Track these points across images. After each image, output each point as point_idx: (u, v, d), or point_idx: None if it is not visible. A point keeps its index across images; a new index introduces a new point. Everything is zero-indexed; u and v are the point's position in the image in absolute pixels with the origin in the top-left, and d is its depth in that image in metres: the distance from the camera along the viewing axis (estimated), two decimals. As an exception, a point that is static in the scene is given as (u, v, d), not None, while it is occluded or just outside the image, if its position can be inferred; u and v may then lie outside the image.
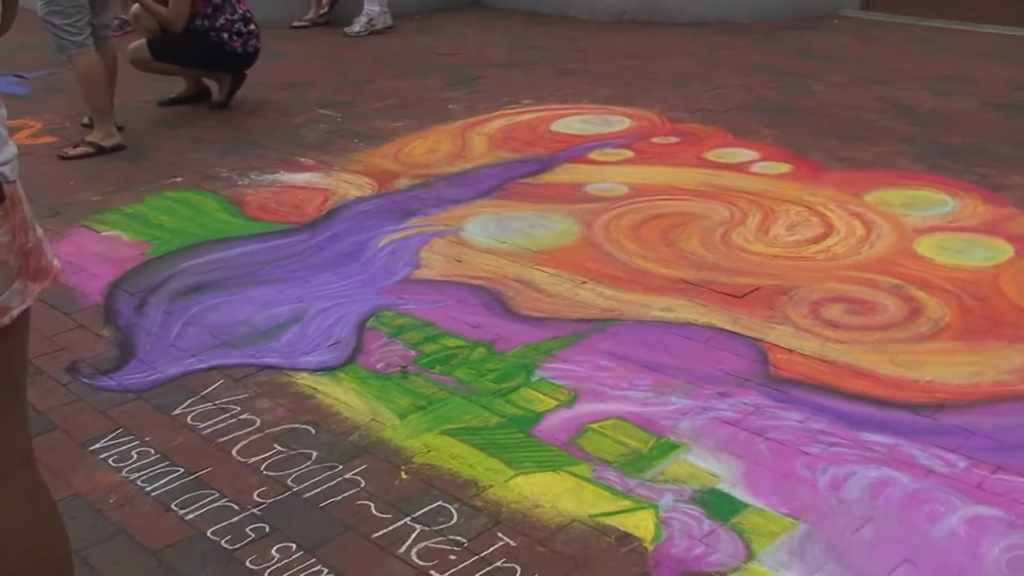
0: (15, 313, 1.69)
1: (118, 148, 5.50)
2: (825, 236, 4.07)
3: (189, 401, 3.08)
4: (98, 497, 2.66)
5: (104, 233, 4.42)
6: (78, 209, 4.70)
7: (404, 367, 3.21)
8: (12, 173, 1.65)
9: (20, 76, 7.39)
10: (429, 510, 2.54)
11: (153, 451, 2.84)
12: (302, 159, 5.27)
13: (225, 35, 6.09)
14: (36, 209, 4.68)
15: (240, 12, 6.16)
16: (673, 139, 5.36)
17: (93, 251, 4.23)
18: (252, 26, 6.22)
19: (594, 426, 2.86)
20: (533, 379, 3.11)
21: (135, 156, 5.45)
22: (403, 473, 2.70)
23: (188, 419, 2.99)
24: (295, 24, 8.74)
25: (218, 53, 6.11)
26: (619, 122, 5.72)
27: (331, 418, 2.96)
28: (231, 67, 6.26)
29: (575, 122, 5.74)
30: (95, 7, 5.41)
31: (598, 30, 8.33)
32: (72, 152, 5.45)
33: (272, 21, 8.69)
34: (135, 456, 2.82)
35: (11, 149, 1.67)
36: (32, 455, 1.85)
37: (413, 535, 2.46)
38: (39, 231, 1.75)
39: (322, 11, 8.76)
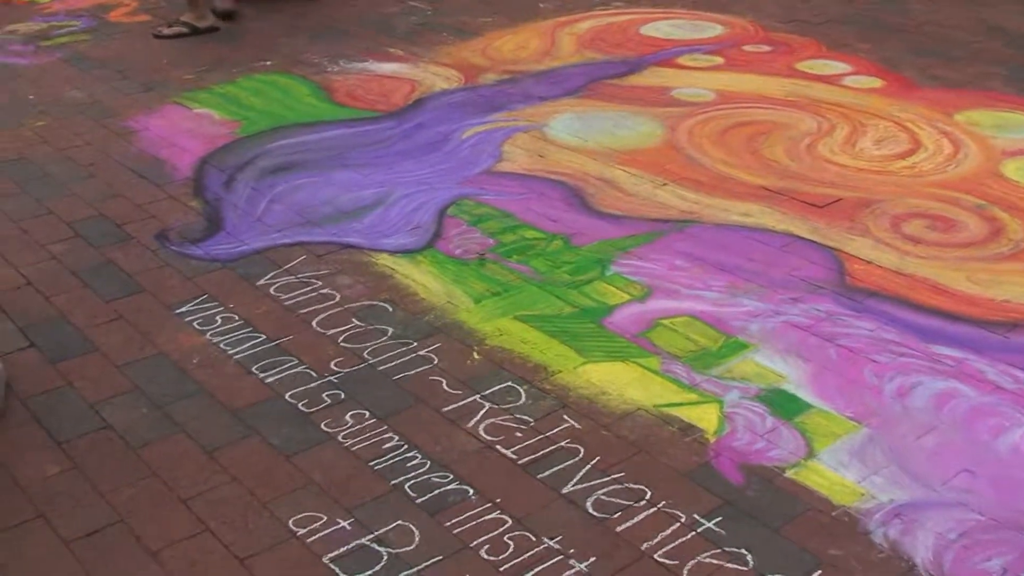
0: None
1: (211, 30, 5.57)
2: (912, 152, 4.01)
3: (272, 273, 3.17)
4: (182, 357, 2.78)
5: (196, 110, 4.51)
6: (171, 86, 4.79)
7: (482, 254, 3.27)
8: None
9: None
10: (498, 389, 2.61)
11: (236, 317, 2.95)
12: (391, 49, 5.30)
13: None
14: (130, 84, 4.80)
15: None
16: (765, 48, 5.28)
17: (184, 127, 4.33)
18: None
19: (665, 322, 2.90)
20: (608, 273, 3.15)
21: (228, 39, 5.52)
22: (475, 353, 2.77)
23: (271, 290, 3.08)
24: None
25: None
26: (710, 28, 5.64)
27: (408, 298, 3.04)
28: None
29: (665, 26, 5.68)
30: None
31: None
32: (166, 31, 5.53)
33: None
34: (219, 321, 2.93)
35: None
36: None
37: (482, 411, 2.53)
38: None
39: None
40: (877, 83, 4.76)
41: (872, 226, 3.44)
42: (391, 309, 2.98)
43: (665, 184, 3.75)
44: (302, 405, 2.56)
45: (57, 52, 5.33)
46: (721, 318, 2.92)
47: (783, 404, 2.56)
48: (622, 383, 2.63)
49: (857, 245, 3.32)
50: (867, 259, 3.23)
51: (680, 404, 2.55)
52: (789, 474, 2.31)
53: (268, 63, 5.10)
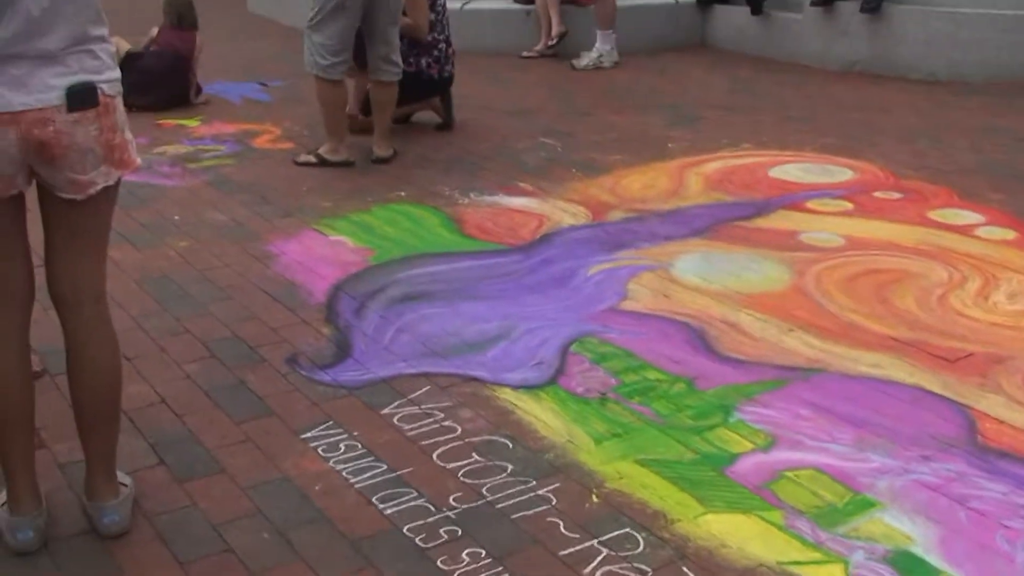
0: (99, 187, 2.43)
1: (344, 164, 5.72)
2: (1050, 308, 3.91)
3: (397, 403, 3.22)
4: (305, 482, 2.82)
5: (332, 237, 4.66)
6: (309, 212, 4.97)
7: (604, 393, 3.27)
8: (111, 89, 2.41)
9: (264, 84, 7.85)
10: (617, 535, 2.59)
11: (360, 445, 2.99)
12: (521, 183, 5.42)
13: (423, 61, 6.27)
14: (270, 209, 4.98)
15: (447, 33, 6.36)
16: (895, 195, 5.25)
17: (320, 253, 4.47)
18: (450, 50, 6.40)
19: (789, 474, 2.85)
20: (731, 420, 3.12)
21: (365, 169, 5.72)
22: (594, 496, 2.75)
23: (395, 419, 3.13)
24: (524, 55, 8.96)
25: (414, 81, 6.26)
26: (840, 173, 5.64)
27: (529, 434, 3.05)
28: (429, 93, 6.46)
29: (794, 169, 5.70)
30: (373, 38, 5.63)
31: (826, 79, 8.22)
32: (302, 159, 5.76)
33: (503, 50, 8.99)
34: (343, 448, 2.98)
35: (112, 73, 2.43)
36: (104, 294, 2.59)
37: (599, 558, 2.51)
38: (128, 135, 2.49)
39: (550, 43, 8.95)
40: (1011, 234, 4.68)
41: (1005, 383, 3.35)
42: (511, 445, 2.99)
43: (792, 330, 3.72)
44: (419, 540, 2.57)
45: (203, 175, 5.58)
46: (848, 473, 2.85)
47: (911, 568, 2.47)
48: (744, 536, 2.58)
49: (989, 402, 3.23)
50: (1000, 418, 3.14)
51: (804, 563, 2.49)
52: (917, 644, 2.22)
53: (402, 193, 5.26)
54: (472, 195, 5.23)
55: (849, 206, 5.08)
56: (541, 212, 4.98)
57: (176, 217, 4.95)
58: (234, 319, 3.82)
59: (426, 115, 6.68)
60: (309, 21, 5.55)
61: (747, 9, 9.11)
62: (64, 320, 2.56)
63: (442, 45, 6.32)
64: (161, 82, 6.88)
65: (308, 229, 4.76)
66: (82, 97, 2.35)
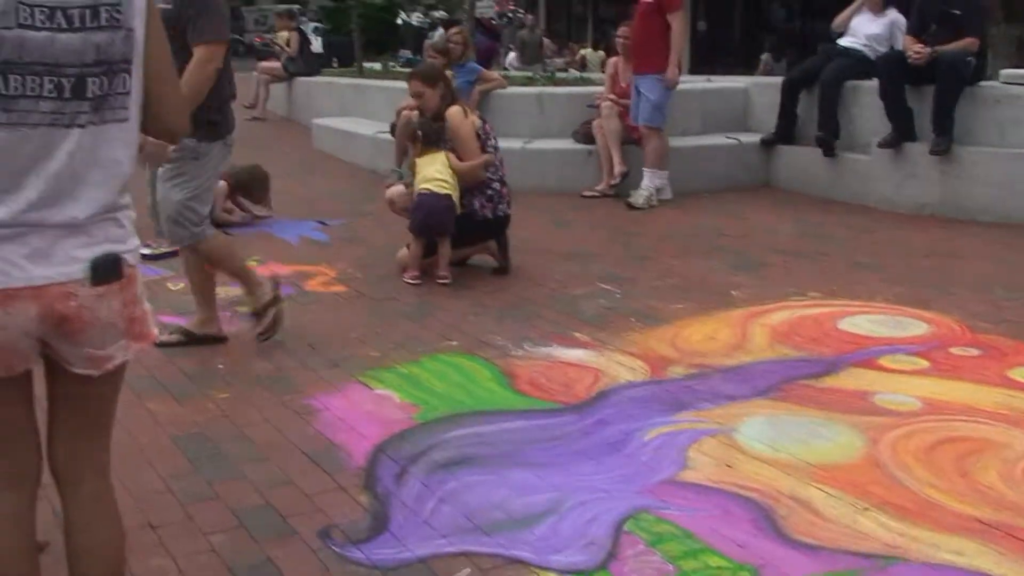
0: (117, 362, 2.30)
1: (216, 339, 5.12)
2: None
3: (434, 587, 2.97)
4: None
5: (377, 391, 4.48)
6: (356, 363, 4.80)
7: (659, 583, 2.99)
8: (133, 259, 2.27)
9: (323, 223, 7.80)
10: None
11: (391, 639, 2.74)
12: (577, 333, 5.22)
13: (476, 201, 6.16)
14: (316, 358, 4.81)
15: (500, 174, 6.27)
16: (973, 351, 4.96)
17: (364, 409, 4.28)
18: (505, 189, 6.29)
19: None
20: (800, 618, 2.82)
21: (419, 313, 5.57)
22: None
23: (430, 608, 2.88)
24: (585, 193, 8.87)
25: (468, 222, 6.16)
26: (914, 325, 5.37)
27: (576, 630, 2.78)
28: (483, 236, 6.33)
29: (865, 321, 5.44)
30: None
31: (895, 222, 7.99)
32: (163, 339, 4.83)
33: (565, 189, 8.92)
34: (372, 642, 2.73)
35: (134, 242, 2.29)
36: (108, 467, 2.43)
37: None
38: (147, 305, 2.35)
39: (613, 182, 8.86)
40: (1102, 399, 4.36)
41: (1109, 578, 3.02)
42: (557, 642, 2.72)
43: (867, 509, 3.41)
44: None
45: (252, 319, 5.45)
46: None
47: None
48: None
49: (1092, 601, 2.90)
50: (1106, 622, 2.81)
51: None
52: None
53: (454, 343, 5.07)
54: (526, 346, 5.03)
55: (924, 364, 4.79)
56: (597, 366, 4.75)
57: (220, 365, 4.81)
58: (268, 484, 3.61)
59: (483, 258, 6.55)
60: (182, 193, 4.80)
61: (813, 149, 8.97)
62: (63, 496, 2.39)
63: (495, 184, 6.23)
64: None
65: (354, 381, 4.58)
66: (107, 269, 2.19)
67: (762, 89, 10.03)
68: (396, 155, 8.79)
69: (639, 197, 8.50)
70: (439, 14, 45.38)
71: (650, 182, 8.61)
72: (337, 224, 7.78)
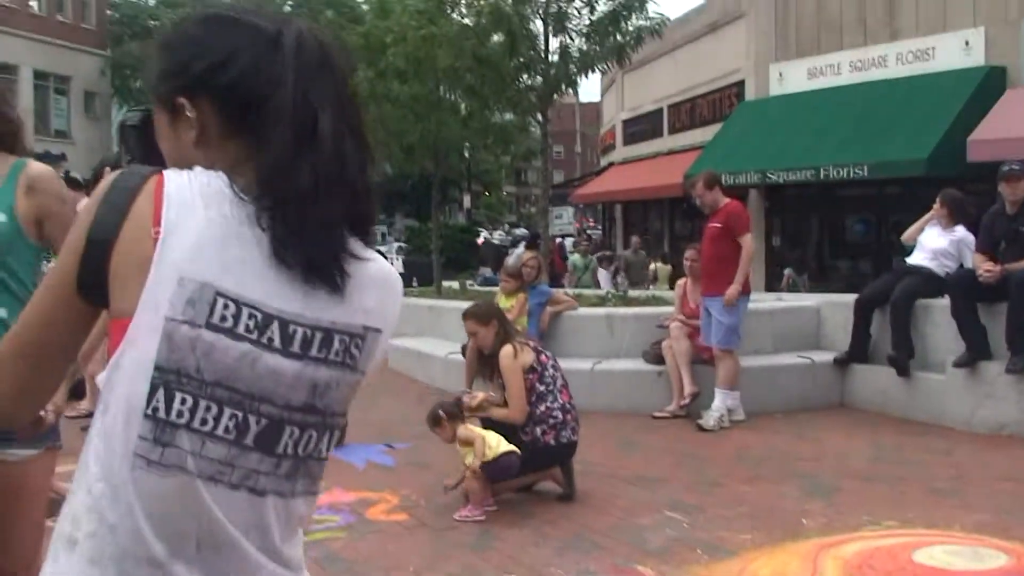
0: None
1: None
2: None
3: None
4: None
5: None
6: (411, 598, 4.72)
7: None
8: None
9: (390, 446, 7.83)
10: None
11: None
12: (640, 566, 5.08)
13: (539, 429, 6.15)
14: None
15: (561, 401, 6.26)
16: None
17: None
18: (569, 416, 6.27)
19: None
20: None
21: (479, 544, 5.49)
22: None
23: None
24: (656, 415, 8.81)
25: (531, 451, 6.12)
26: (993, 557, 5.14)
27: None
28: (547, 463, 6.29)
29: (942, 553, 5.22)
30: None
31: (974, 444, 7.77)
32: None
33: (635, 410, 8.89)
34: None
35: None
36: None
37: None
38: None
39: (683, 403, 8.80)
40: None
41: None
42: None
43: None
44: None
45: (311, 549, 5.41)
46: None
47: None
48: None
49: None
50: None
51: None
52: None
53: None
54: (586, 579, 4.92)
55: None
56: (659, 605, 4.61)
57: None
58: None
59: (549, 483, 6.49)
60: None
61: (887, 369, 8.85)
62: None
63: (557, 413, 6.23)
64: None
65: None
66: None
67: (834, 308, 10.00)
68: (466, 377, 8.88)
69: (710, 419, 8.42)
70: (520, 231, 46.70)
71: (722, 403, 8.54)
72: (404, 447, 7.80)
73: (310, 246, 1.50)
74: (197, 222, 1.46)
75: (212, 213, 1.47)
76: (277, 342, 1.49)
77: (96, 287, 1.49)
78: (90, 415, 2.13)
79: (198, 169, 1.52)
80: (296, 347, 1.51)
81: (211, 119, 1.55)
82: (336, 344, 1.54)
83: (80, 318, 1.53)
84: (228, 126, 1.55)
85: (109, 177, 1.52)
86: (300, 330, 1.50)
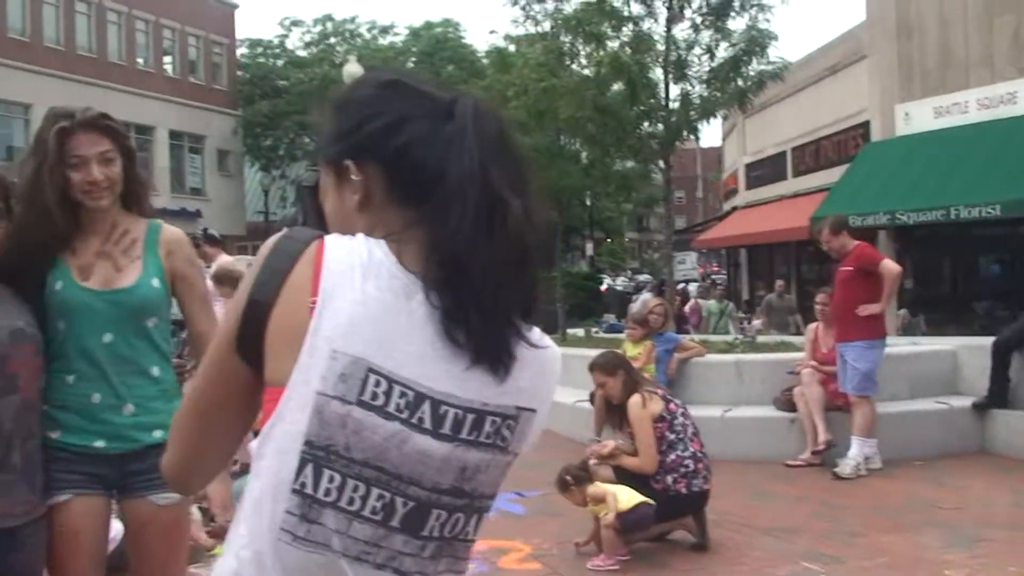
0: None
1: None
2: None
3: None
4: None
5: None
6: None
7: None
8: None
9: (519, 495, 7.86)
10: None
11: None
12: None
13: (669, 478, 6.11)
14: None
15: (692, 450, 6.21)
16: None
17: None
18: (700, 465, 6.21)
19: None
20: None
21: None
22: None
23: None
24: (789, 463, 8.67)
25: (663, 500, 6.08)
26: None
27: None
28: (679, 512, 6.23)
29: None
30: None
31: None
32: None
33: (767, 458, 8.76)
34: None
35: None
36: None
37: None
38: None
39: (817, 450, 8.64)
40: None
41: None
42: None
43: None
44: None
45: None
46: None
47: None
48: None
49: None
50: None
51: None
52: None
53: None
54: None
55: None
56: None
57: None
58: None
59: (682, 533, 6.44)
60: None
61: (1031, 413, 8.57)
62: None
63: (688, 461, 6.18)
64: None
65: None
66: None
67: (972, 351, 9.73)
68: (595, 424, 8.89)
69: (847, 466, 8.24)
70: (644, 277, 46.55)
71: (859, 451, 8.35)
72: (534, 495, 7.82)
73: (487, 330, 1.46)
74: (354, 294, 1.43)
75: (369, 286, 1.44)
76: (428, 422, 1.45)
77: (253, 349, 1.48)
78: None
79: (360, 236, 1.49)
80: (447, 428, 1.46)
81: (376, 184, 1.53)
82: (487, 426, 1.49)
83: (241, 379, 1.52)
84: (393, 192, 1.53)
85: (272, 239, 1.52)
86: (451, 411, 1.46)
